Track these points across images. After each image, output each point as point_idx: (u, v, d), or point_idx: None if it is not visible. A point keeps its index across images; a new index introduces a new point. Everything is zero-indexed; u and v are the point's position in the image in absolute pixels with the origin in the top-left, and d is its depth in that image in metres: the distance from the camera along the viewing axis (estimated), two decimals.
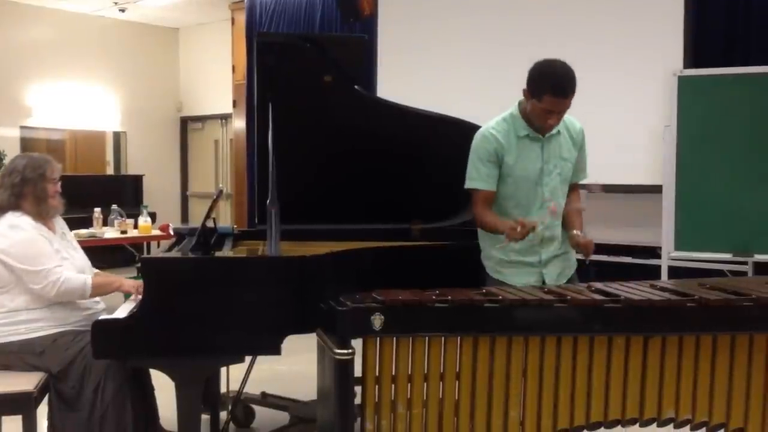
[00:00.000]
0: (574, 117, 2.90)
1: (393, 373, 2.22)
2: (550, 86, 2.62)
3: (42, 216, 2.97)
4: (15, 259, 2.82)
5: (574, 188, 3.00)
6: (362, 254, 2.80)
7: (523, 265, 2.83)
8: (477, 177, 2.82)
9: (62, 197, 3.06)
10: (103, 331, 2.48)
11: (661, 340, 2.28)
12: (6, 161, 8.18)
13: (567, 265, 2.93)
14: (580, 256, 2.87)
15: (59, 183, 3.05)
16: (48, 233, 2.95)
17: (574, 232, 2.84)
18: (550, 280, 2.84)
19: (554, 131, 2.81)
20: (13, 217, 2.90)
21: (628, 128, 2.99)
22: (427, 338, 2.22)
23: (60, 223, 3.12)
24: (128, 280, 3.07)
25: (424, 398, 2.23)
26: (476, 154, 2.83)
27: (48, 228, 2.98)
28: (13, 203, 2.92)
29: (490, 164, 2.79)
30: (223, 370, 3.24)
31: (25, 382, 2.73)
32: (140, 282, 3.06)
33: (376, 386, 2.22)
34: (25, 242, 2.84)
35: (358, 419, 2.25)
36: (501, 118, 2.84)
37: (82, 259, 3.11)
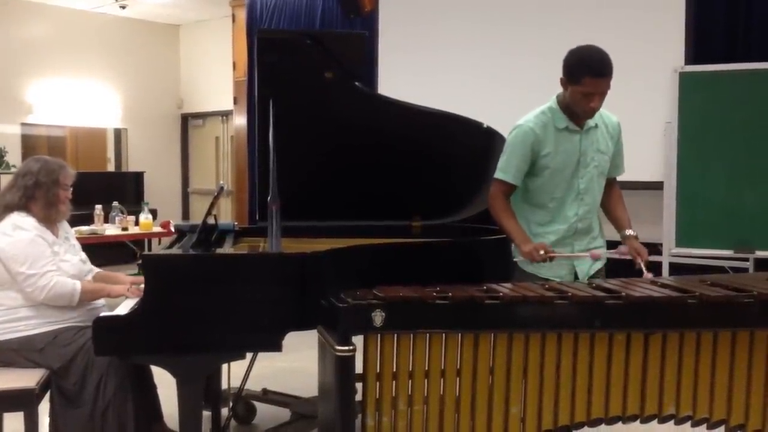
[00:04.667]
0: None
1: (394, 370, 2.22)
2: (588, 67, 2.63)
3: (48, 220, 2.97)
4: (10, 258, 2.82)
5: (612, 183, 3.00)
6: (363, 251, 2.80)
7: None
8: (506, 169, 2.83)
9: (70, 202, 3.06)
10: (105, 328, 2.47)
11: (662, 336, 2.28)
12: (7, 158, 8.24)
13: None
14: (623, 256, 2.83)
15: (71, 189, 3.05)
16: (50, 236, 2.95)
17: (628, 233, 2.86)
18: (582, 272, 2.85)
19: (592, 124, 2.82)
20: (18, 218, 2.90)
21: (629, 125, 2.99)
22: (428, 335, 2.22)
23: (64, 227, 3.12)
24: (116, 286, 3.05)
25: (425, 395, 2.23)
26: (511, 147, 2.83)
27: (51, 231, 2.98)
28: (23, 204, 2.93)
29: (523, 159, 2.81)
30: (225, 366, 3.24)
31: (26, 378, 2.74)
32: (126, 285, 3.06)
33: (377, 383, 2.23)
34: (23, 243, 2.84)
35: (359, 416, 2.26)
36: (539, 111, 2.85)
37: (79, 263, 3.09)
